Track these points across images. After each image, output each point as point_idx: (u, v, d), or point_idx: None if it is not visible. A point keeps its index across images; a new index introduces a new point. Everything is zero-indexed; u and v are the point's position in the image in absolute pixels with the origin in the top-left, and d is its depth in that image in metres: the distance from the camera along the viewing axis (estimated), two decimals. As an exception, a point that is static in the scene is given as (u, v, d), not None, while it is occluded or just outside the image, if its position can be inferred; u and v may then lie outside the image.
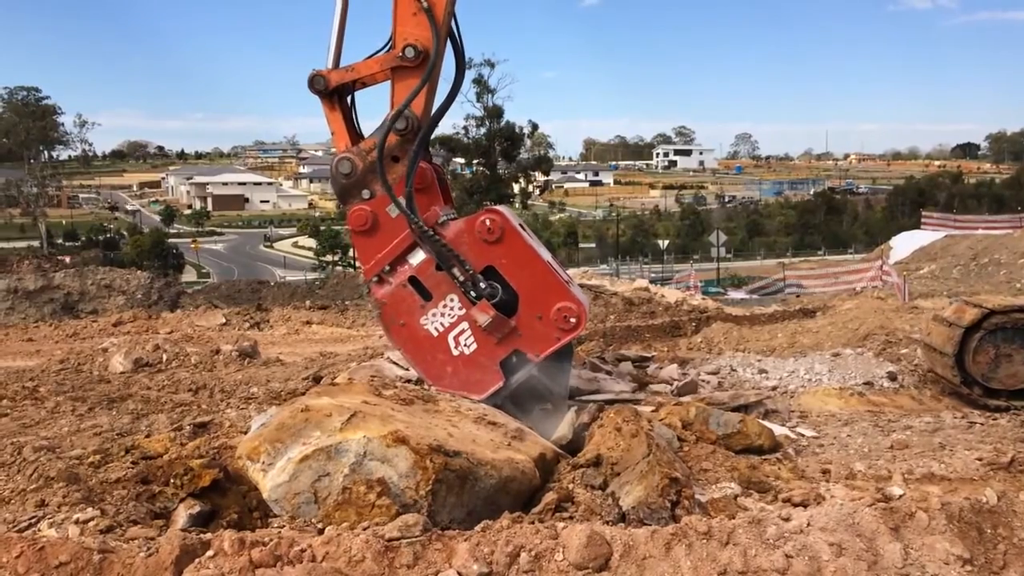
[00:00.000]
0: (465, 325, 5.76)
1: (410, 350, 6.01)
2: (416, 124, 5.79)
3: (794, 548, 3.90)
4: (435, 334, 5.82)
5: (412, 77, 5.81)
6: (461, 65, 6.12)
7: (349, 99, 6.38)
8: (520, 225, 6.01)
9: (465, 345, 5.77)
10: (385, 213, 5.83)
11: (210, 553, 3.86)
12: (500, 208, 5.91)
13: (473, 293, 5.72)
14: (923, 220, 44.13)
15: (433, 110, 6.02)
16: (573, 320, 5.64)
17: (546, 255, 6.00)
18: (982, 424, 7.98)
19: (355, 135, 6.25)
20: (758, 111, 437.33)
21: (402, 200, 5.77)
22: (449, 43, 6.10)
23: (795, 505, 4.67)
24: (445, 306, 5.78)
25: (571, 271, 25.28)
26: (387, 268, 5.95)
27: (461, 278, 5.71)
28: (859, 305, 17.33)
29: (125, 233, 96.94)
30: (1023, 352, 8.65)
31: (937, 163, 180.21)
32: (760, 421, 7.21)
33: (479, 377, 5.86)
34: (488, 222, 5.68)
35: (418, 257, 5.84)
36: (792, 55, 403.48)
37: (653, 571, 3.84)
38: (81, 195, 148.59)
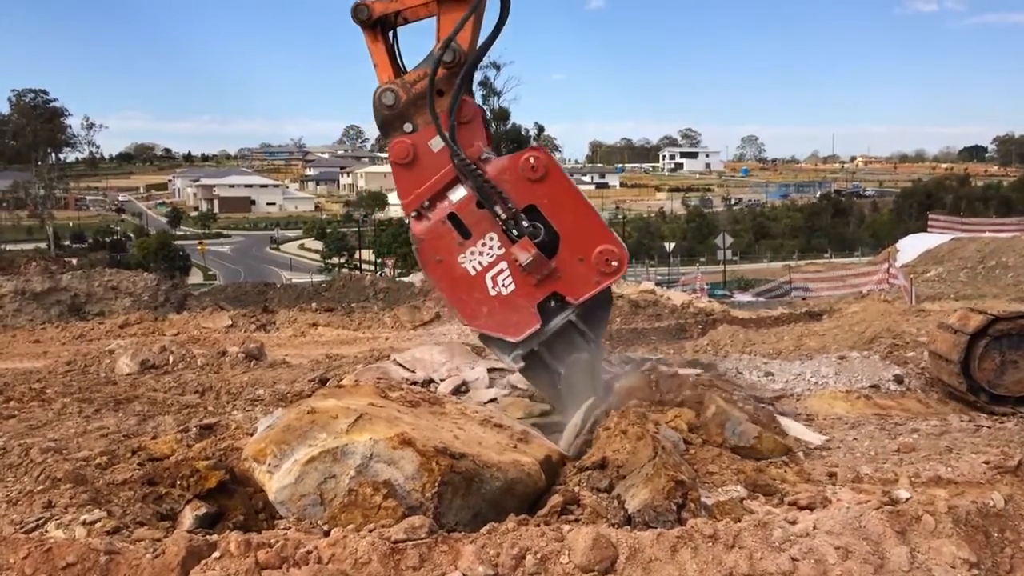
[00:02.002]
0: (504, 265, 5.66)
1: (446, 288, 5.91)
2: (462, 57, 5.67)
3: (800, 551, 3.89)
4: (473, 273, 5.72)
5: (458, 9, 5.71)
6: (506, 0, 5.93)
7: (391, 35, 6.24)
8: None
9: (503, 285, 5.65)
10: (427, 147, 5.73)
11: (216, 555, 3.87)
12: (544, 147, 5.77)
13: (515, 232, 5.61)
14: (930, 223, 43.99)
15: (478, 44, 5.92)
16: (615, 263, 5.53)
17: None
18: (989, 427, 7.96)
19: (398, 68, 6.13)
20: (764, 113, 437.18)
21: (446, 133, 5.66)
22: None
23: (801, 508, 4.66)
24: (484, 244, 5.67)
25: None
26: (426, 203, 5.83)
27: (503, 216, 5.60)
28: (865, 308, 17.30)
29: (132, 235, 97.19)
30: None
31: (944, 166, 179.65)
32: (779, 430, 7.15)
33: (516, 319, 5.75)
34: (532, 159, 5.57)
35: (458, 193, 5.73)
36: (798, 58, 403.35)
37: (659, 574, 3.83)
38: (88, 197, 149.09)
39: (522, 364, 5.97)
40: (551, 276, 5.66)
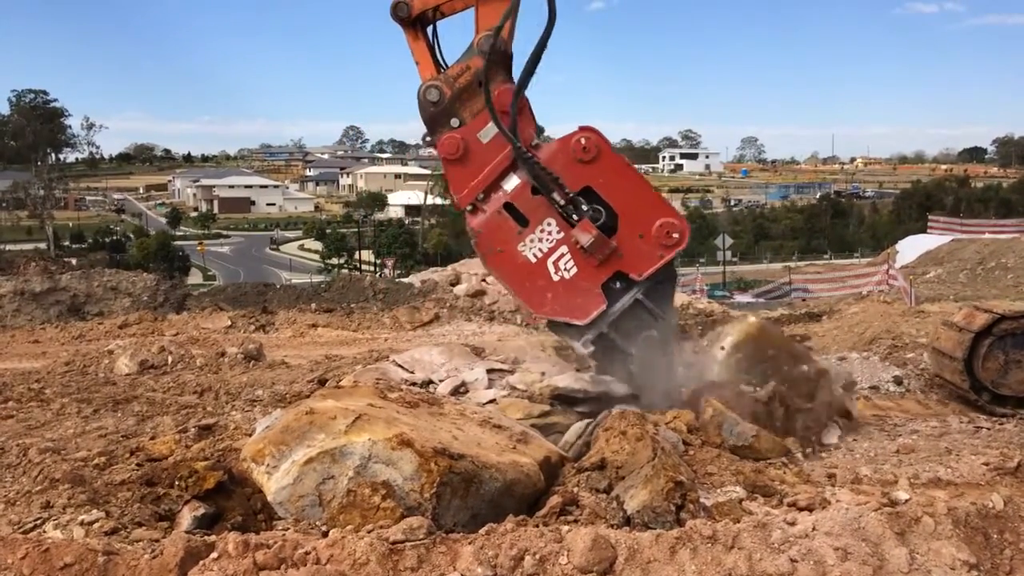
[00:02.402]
0: (564, 249, 5.65)
1: (508, 278, 5.91)
2: (503, 46, 5.67)
3: (799, 552, 3.89)
4: (533, 260, 5.71)
5: (497, 0, 5.69)
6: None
7: (431, 31, 6.25)
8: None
9: (565, 269, 5.63)
10: (476, 139, 5.72)
11: (214, 555, 3.86)
12: (594, 127, 5.70)
13: (574, 215, 5.57)
14: (930, 224, 44.02)
15: (522, 41, 5.92)
16: (676, 235, 5.54)
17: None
18: (988, 429, 7.96)
19: (438, 65, 6.11)
20: (764, 115, 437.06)
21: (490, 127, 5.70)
22: None
23: (800, 509, 4.66)
24: (543, 231, 5.65)
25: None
26: (481, 196, 5.81)
27: (561, 201, 5.58)
28: (865, 309, 17.30)
29: (131, 235, 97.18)
30: None
31: (944, 167, 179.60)
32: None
33: (581, 301, 5.74)
34: (584, 140, 5.54)
35: (512, 182, 5.71)
36: (798, 59, 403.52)
37: (658, 575, 3.83)
38: (88, 197, 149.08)
39: (592, 348, 5.97)
40: (613, 255, 5.64)
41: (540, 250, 5.72)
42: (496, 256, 5.87)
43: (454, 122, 5.81)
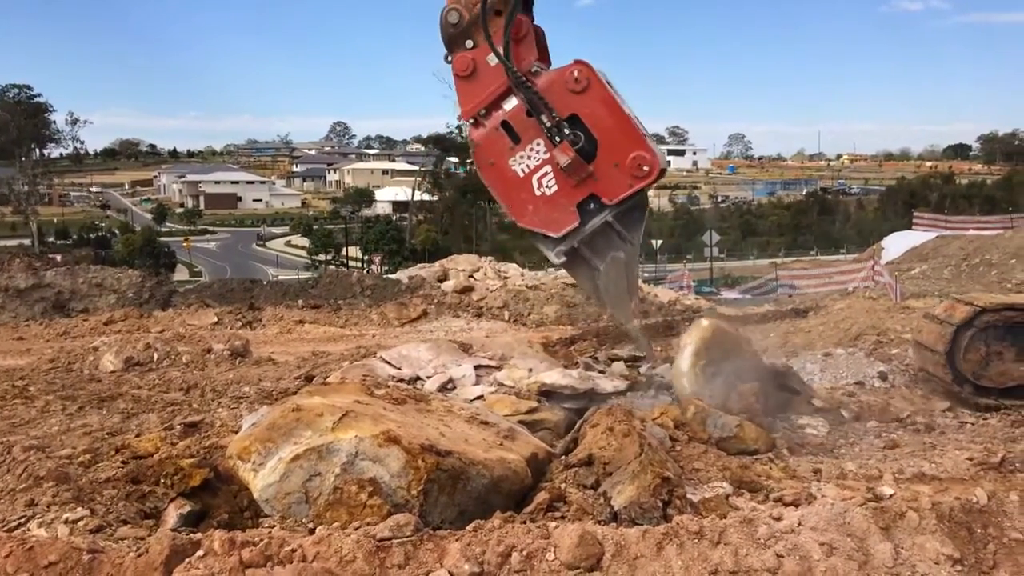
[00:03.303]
0: (548, 168, 6.21)
1: (498, 188, 6.51)
2: None
3: (785, 547, 3.91)
4: (521, 175, 6.30)
5: None
6: None
7: None
8: (608, 82, 6.29)
9: (547, 186, 6.23)
10: (485, 61, 6.28)
11: (200, 553, 3.85)
12: (587, 61, 6.22)
13: (557, 138, 6.12)
14: (915, 220, 44.19)
15: None
16: (646, 168, 6.03)
17: (628, 109, 6.26)
18: (972, 424, 8.01)
19: None
20: (751, 111, 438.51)
21: (500, 49, 6.22)
22: None
23: (786, 505, 4.68)
24: (532, 149, 6.22)
25: (564, 270, 25.26)
26: (483, 112, 6.39)
27: (547, 124, 6.11)
28: (851, 305, 17.37)
29: (117, 231, 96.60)
30: (1013, 350, 8.68)
31: (929, 164, 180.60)
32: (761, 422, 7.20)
33: (557, 216, 6.32)
34: (576, 72, 6.08)
35: (511, 103, 6.27)
36: (785, 56, 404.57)
37: (644, 571, 3.84)
38: (72, 193, 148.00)
39: (564, 259, 6.55)
40: (589, 179, 6.19)
41: (527, 166, 6.30)
42: (489, 168, 6.44)
43: (468, 43, 6.35)
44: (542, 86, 6.23)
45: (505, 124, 6.40)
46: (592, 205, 6.36)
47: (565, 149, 6.09)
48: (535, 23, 6.70)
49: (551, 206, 6.38)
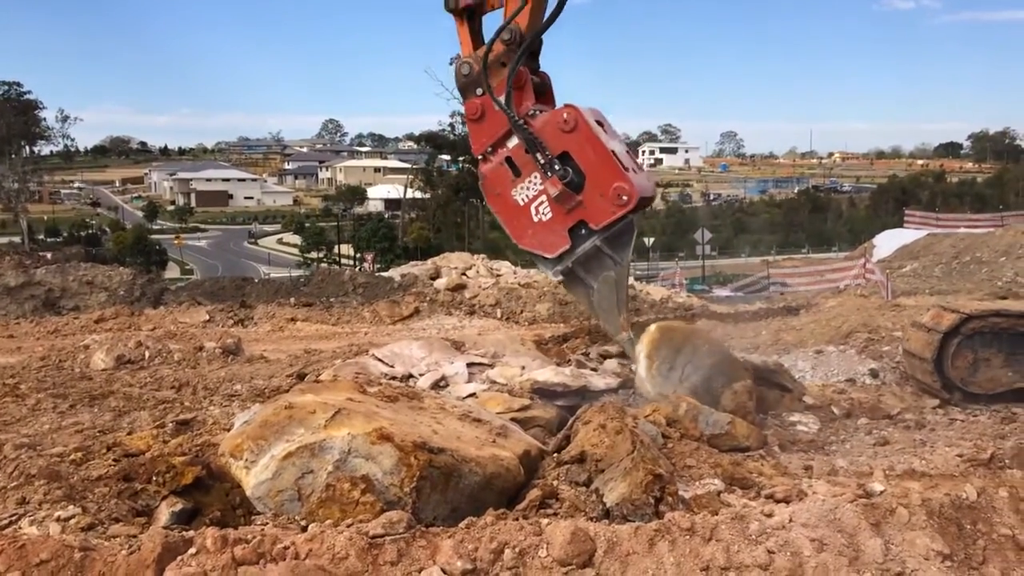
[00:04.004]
0: (544, 198, 7.08)
1: (502, 214, 7.43)
2: (520, 36, 7.05)
3: (776, 544, 3.93)
4: (521, 203, 7.21)
5: None
6: None
7: (479, 21, 7.66)
8: (598, 120, 7.15)
9: (543, 213, 7.10)
10: (492, 106, 7.23)
11: (192, 551, 3.85)
12: (576, 105, 7.07)
13: (549, 172, 7.01)
14: (906, 218, 44.40)
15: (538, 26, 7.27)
16: (625, 198, 6.81)
17: (616, 146, 7.11)
18: (962, 421, 8.06)
19: (479, 45, 7.52)
20: (743, 109, 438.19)
21: (502, 98, 7.10)
22: None
23: (778, 501, 4.70)
24: (530, 182, 7.11)
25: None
26: (490, 149, 7.31)
27: (542, 161, 6.97)
28: (842, 303, 17.46)
29: (107, 229, 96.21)
30: (1001, 356, 8.73)
31: (920, 162, 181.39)
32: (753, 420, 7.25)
33: (551, 240, 7.17)
34: (566, 115, 6.91)
35: (513, 142, 7.16)
36: (778, 55, 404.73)
37: (636, 567, 3.85)
38: (63, 191, 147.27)
39: (561, 278, 7.39)
40: (578, 207, 7.00)
41: (527, 196, 7.16)
42: (495, 197, 7.34)
43: (479, 91, 7.25)
44: (537, 127, 7.05)
45: (508, 159, 7.25)
46: (583, 230, 7.12)
47: (554, 182, 6.93)
48: (540, 69, 7.63)
49: (546, 231, 7.19)
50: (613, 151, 7.05)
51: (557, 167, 6.96)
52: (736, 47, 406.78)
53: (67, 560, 3.78)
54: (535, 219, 7.21)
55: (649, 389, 7.60)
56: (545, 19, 7.37)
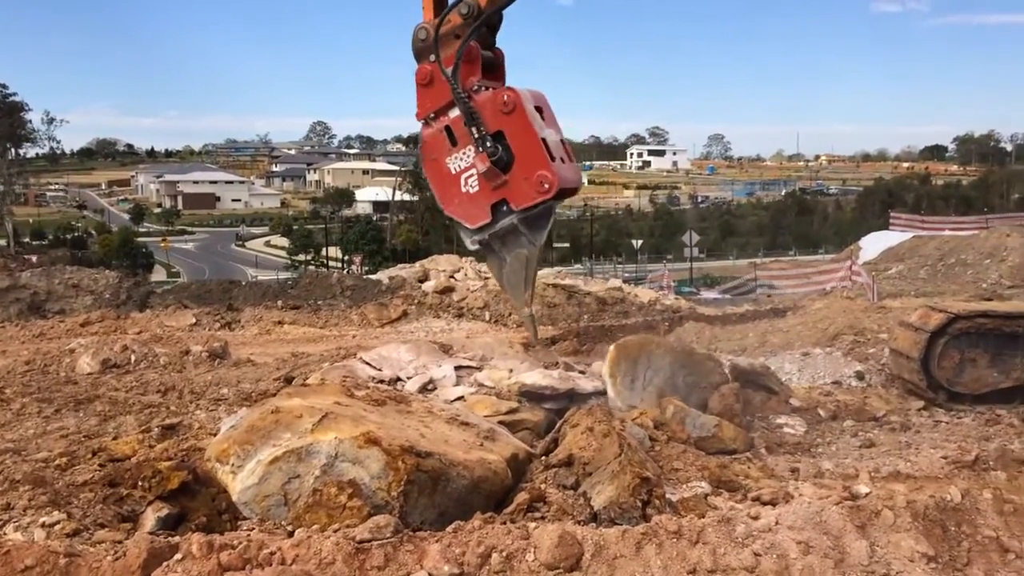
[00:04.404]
0: (473, 171, 7.22)
1: (434, 179, 7.55)
2: (477, 10, 7.10)
3: (763, 546, 3.94)
4: (453, 172, 7.35)
5: None
6: None
7: None
8: (538, 106, 7.20)
9: (471, 185, 7.26)
10: (440, 74, 7.29)
11: (178, 556, 3.83)
12: (518, 89, 7.12)
13: (481, 148, 7.14)
14: (891, 221, 44.61)
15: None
16: (547, 186, 6.93)
17: (549, 135, 7.20)
18: (947, 423, 8.11)
19: (438, 12, 7.43)
20: (731, 112, 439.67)
21: (449, 70, 7.12)
22: None
23: (764, 504, 4.72)
24: (464, 153, 7.24)
25: (544, 271, 25.32)
26: (432, 115, 7.35)
27: (476, 136, 7.11)
28: (829, 305, 17.51)
29: (93, 232, 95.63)
30: (987, 356, 8.79)
31: (906, 165, 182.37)
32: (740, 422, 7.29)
33: (475, 212, 7.31)
34: (506, 97, 6.98)
35: (455, 112, 7.26)
36: (765, 57, 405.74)
37: (624, 570, 3.86)
38: (49, 193, 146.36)
39: (478, 247, 7.59)
40: (503, 186, 7.14)
41: (459, 166, 7.30)
42: (431, 162, 7.44)
43: (431, 57, 7.25)
44: (478, 103, 7.18)
45: (448, 128, 7.38)
46: (504, 208, 7.37)
47: (483, 159, 7.12)
48: (496, 46, 7.68)
49: (471, 202, 7.39)
50: (544, 139, 7.18)
51: (489, 144, 7.12)
52: (724, 49, 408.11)
53: (52, 566, 3.76)
54: (463, 189, 7.45)
55: (620, 405, 7.90)
56: None
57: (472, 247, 8.13)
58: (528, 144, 7.12)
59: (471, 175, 7.29)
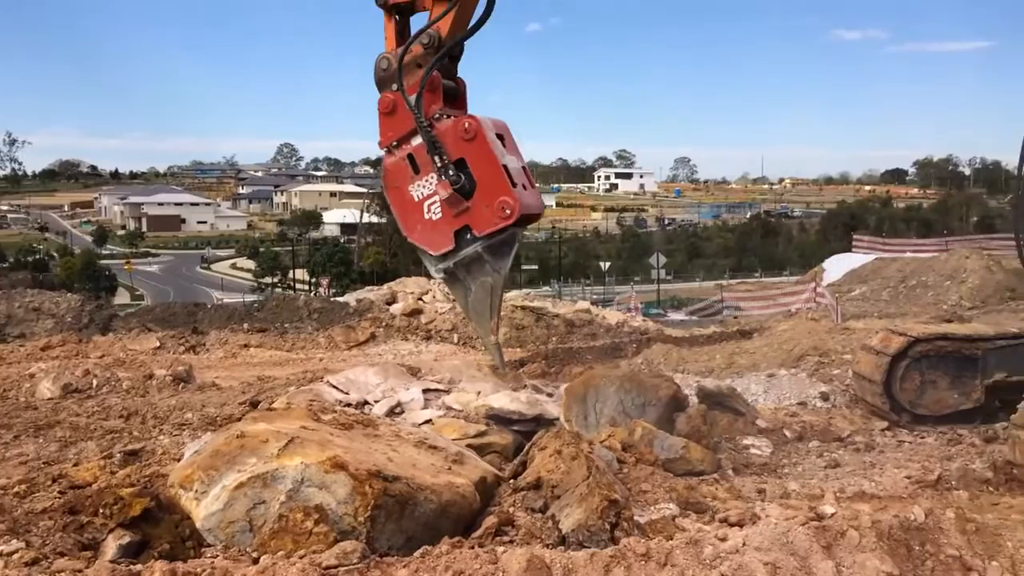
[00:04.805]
0: (436, 199, 7.22)
1: (397, 207, 7.54)
2: (438, 41, 7.19)
3: (730, 568, 3.95)
4: (416, 200, 7.33)
5: (446, 2, 7.13)
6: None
7: (408, 20, 7.61)
8: (499, 134, 7.25)
9: (434, 212, 7.25)
10: (403, 103, 7.33)
11: (140, 585, 3.76)
12: (480, 117, 7.19)
13: (443, 176, 7.13)
14: (854, 243, 45.32)
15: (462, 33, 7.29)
16: (508, 211, 6.95)
17: (511, 162, 7.21)
18: (910, 443, 8.22)
19: (400, 42, 7.50)
20: (697, 136, 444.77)
21: (412, 98, 7.17)
22: None
23: (731, 525, 4.74)
24: (427, 181, 7.22)
25: (512, 293, 25.35)
26: (395, 144, 7.37)
27: (439, 163, 7.10)
28: (794, 327, 17.72)
29: (55, 254, 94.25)
30: (947, 378, 8.94)
31: (868, 188, 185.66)
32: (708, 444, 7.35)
33: (438, 239, 7.32)
34: (467, 124, 7.03)
35: (417, 140, 7.28)
36: (729, 83, 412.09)
37: (592, 594, 3.85)
38: (10, 215, 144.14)
39: (443, 276, 7.57)
40: (465, 212, 7.13)
41: (421, 194, 7.29)
42: (394, 190, 7.44)
43: (394, 87, 7.29)
44: (440, 131, 7.25)
45: (410, 156, 7.41)
46: (468, 235, 7.37)
47: (444, 185, 7.16)
48: (458, 75, 7.74)
49: (434, 230, 7.41)
50: (506, 166, 7.16)
51: (451, 172, 7.12)
52: (690, 75, 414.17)
53: (8, 597, 3.67)
54: (426, 216, 7.41)
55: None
56: (469, 27, 7.79)
57: (437, 276, 8.22)
58: (489, 171, 7.15)
59: (434, 202, 7.28)
